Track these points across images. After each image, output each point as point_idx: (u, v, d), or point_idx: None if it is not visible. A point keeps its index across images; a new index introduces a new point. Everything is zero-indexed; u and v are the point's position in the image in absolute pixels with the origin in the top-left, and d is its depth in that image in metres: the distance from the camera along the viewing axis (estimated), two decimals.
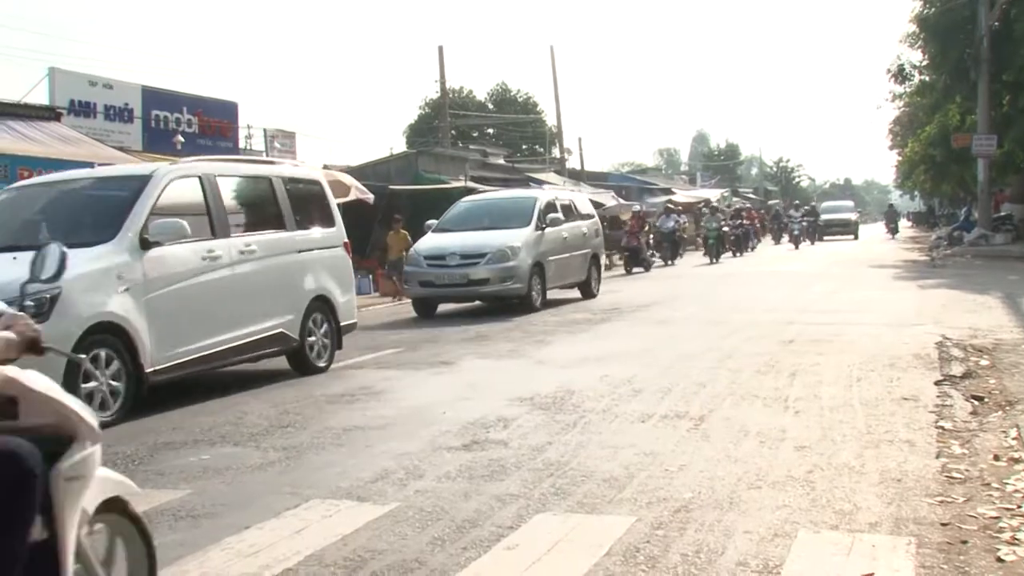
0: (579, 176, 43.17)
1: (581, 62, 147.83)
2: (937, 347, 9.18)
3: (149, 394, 7.53)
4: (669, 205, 35.50)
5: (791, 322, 11.69)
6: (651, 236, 29.54)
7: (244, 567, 3.85)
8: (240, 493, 5.04)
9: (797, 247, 36.29)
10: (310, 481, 5.19)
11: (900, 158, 58.31)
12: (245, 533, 4.30)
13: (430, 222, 16.24)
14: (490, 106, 54.09)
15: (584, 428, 6.22)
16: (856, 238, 44.78)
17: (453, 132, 44.79)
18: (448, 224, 16.13)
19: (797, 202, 50.32)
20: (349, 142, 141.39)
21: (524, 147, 53.55)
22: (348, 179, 18.23)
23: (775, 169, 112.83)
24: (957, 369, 7.98)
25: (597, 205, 27.66)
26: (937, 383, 7.38)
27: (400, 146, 51.73)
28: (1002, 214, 30.74)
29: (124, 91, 20.76)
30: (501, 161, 41.37)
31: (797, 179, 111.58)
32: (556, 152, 49.93)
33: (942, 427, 5.93)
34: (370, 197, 18.63)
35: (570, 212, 16.85)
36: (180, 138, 21.03)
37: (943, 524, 4.08)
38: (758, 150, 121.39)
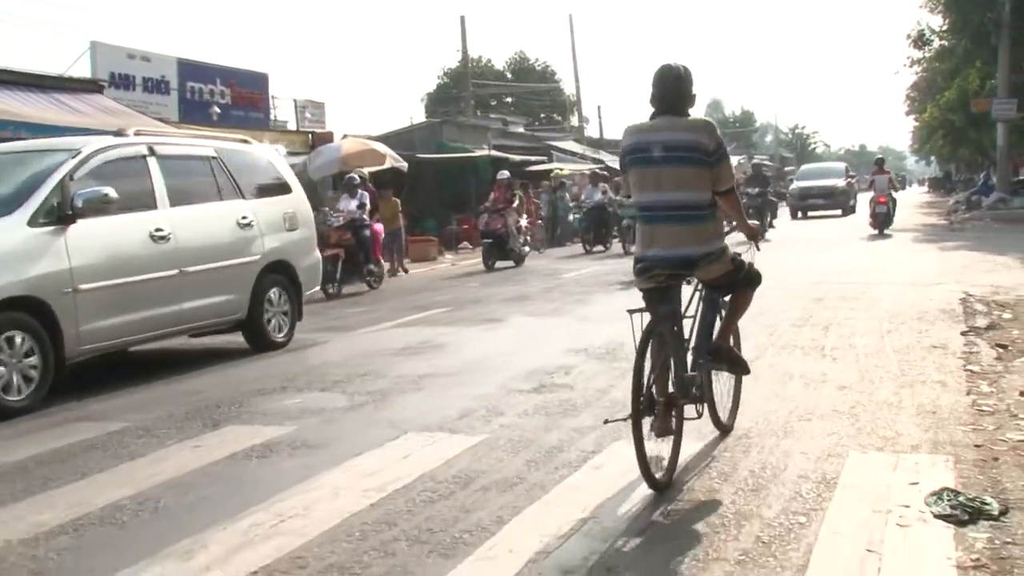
0: (599, 144, 43.49)
1: (596, 30, 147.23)
2: (961, 303, 9.67)
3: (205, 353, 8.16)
4: (597, 172, 26.83)
5: (819, 282, 12.16)
6: (534, 212, 24.01)
7: (367, 484, 4.42)
8: (341, 428, 5.62)
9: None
10: (401, 418, 5.77)
11: (917, 123, 58.36)
12: (358, 459, 4.89)
13: None
14: (508, 75, 54.35)
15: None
16: (847, 213, 31.44)
17: (473, 101, 45.15)
18: None
19: (756, 161, 33.52)
20: (369, 111, 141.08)
21: (542, 115, 53.82)
22: (383, 148, 18.76)
23: (791, 136, 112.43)
24: (981, 321, 8.48)
25: (611, 173, 27.29)
26: (963, 333, 7.89)
27: (419, 115, 52.16)
28: (1021, 178, 31.00)
29: (161, 64, 21.27)
30: (521, 130, 41.77)
31: (813, 145, 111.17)
32: (575, 120, 50.31)
33: (970, 370, 6.46)
34: (404, 165, 19.16)
35: (199, 177, 8.76)
36: (216, 109, 21.60)
37: (976, 446, 4.63)
38: (774, 117, 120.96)
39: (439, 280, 16.79)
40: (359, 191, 15.61)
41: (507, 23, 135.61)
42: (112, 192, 7.21)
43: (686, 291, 4.71)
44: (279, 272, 9.19)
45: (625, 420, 4.18)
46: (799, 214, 31.99)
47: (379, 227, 16.36)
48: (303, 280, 9.56)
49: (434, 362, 7.74)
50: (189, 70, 21.97)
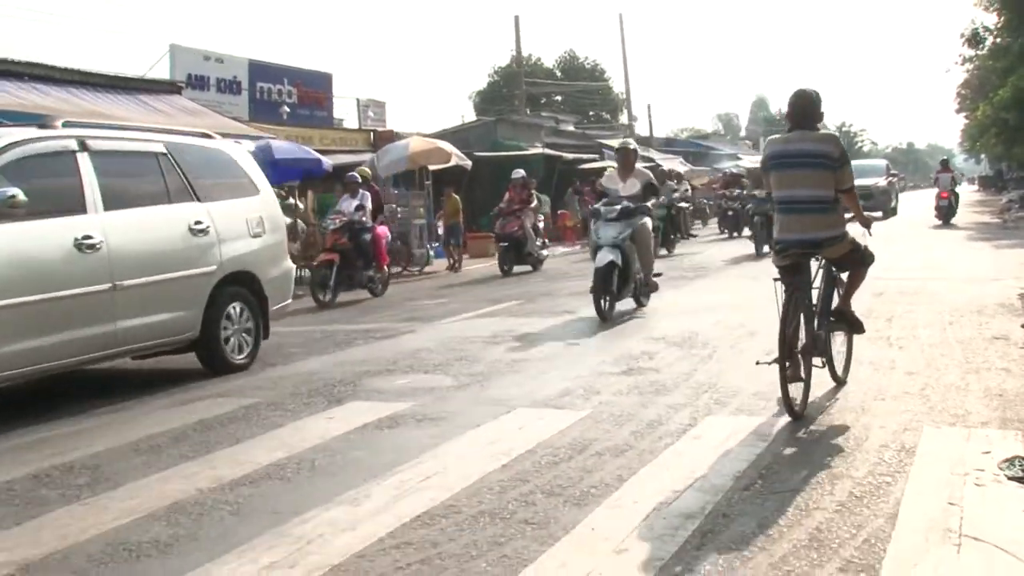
0: (648, 142, 43.87)
1: (645, 27, 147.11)
2: (1020, 298, 10.05)
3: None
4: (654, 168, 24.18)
5: (877, 277, 12.50)
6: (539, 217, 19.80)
7: (493, 450, 5.01)
8: (454, 404, 6.22)
9: (758, 254, 17.94)
10: (507, 396, 6.36)
11: (968, 121, 57.93)
12: (478, 430, 5.48)
13: None
14: (558, 73, 54.94)
15: (719, 359, 7.32)
16: (888, 215, 26.22)
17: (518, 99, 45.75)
18: None
19: (733, 169, 32.19)
20: (423, 109, 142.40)
21: (591, 114, 54.27)
22: (448, 146, 19.41)
23: (838, 133, 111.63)
24: None
25: (669, 175, 27.22)
26: (1023, 326, 8.30)
27: (469, 113, 52.91)
28: None
29: (233, 65, 22.16)
30: (571, 128, 42.30)
31: (860, 143, 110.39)
32: (624, 119, 50.75)
33: None
34: (468, 163, 19.79)
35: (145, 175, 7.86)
36: (286, 108, 22.41)
37: None
38: (822, 114, 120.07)
39: (498, 276, 17.37)
40: (360, 191, 14.46)
41: (558, 22, 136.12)
42: (19, 194, 6.21)
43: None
44: (241, 284, 8.19)
45: (771, 364, 5.42)
46: None
47: (383, 230, 15.02)
48: (270, 293, 8.50)
49: (524, 349, 8.33)
50: (259, 71, 22.83)
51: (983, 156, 75.10)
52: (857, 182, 26.25)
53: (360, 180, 14.84)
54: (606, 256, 9.72)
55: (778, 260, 5.77)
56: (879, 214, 21.16)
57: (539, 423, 5.55)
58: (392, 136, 25.56)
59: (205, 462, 5.04)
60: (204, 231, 7.81)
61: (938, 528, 3.63)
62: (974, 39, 32.56)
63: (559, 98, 54.02)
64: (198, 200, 7.89)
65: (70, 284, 6.57)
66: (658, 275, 10.93)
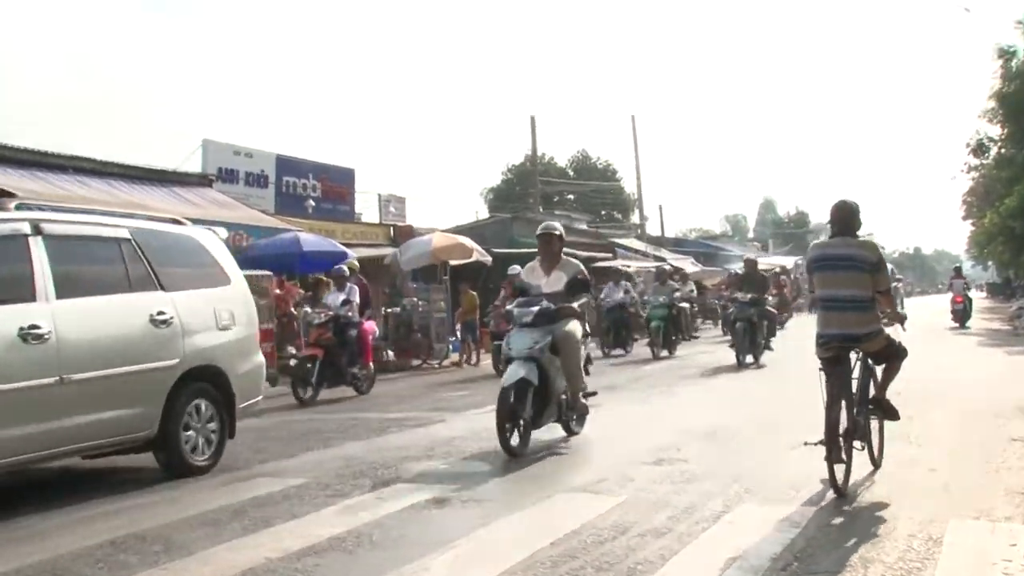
0: (660, 242, 44.58)
1: (651, 129, 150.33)
2: None
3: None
4: (619, 267, 26.09)
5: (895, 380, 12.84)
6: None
7: (541, 530, 5.27)
8: (496, 489, 6.53)
9: (740, 364, 16.09)
10: (545, 482, 6.66)
11: (974, 228, 58.70)
12: (523, 511, 5.77)
13: None
14: (570, 172, 56.14)
15: (746, 452, 7.61)
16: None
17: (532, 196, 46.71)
18: None
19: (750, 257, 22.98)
20: (438, 205, 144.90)
21: (603, 212, 55.20)
22: (470, 242, 19.94)
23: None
24: None
25: (671, 274, 27.24)
26: None
27: (482, 210, 53.93)
28: None
29: (261, 159, 22.94)
30: (584, 227, 43.09)
31: None
32: (635, 218, 51.68)
33: None
34: (488, 259, 20.27)
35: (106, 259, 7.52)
36: (311, 202, 23.09)
37: None
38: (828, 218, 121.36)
39: None
40: (348, 284, 13.81)
41: (571, 122, 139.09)
42: None
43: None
44: (206, 380, 7.68)
45: (816, 444, 6.03)
46: None
47: (370, 326, 14.46)
48: (238, 389, 7.94)
49: (553, 439, 8.60)
50: (285, 165, 23.60)
51: (990, 263, 75.83)
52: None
53: (348, 273, 14.22)
54: (516, 372, 7.74)
55: (821, 352, 6.36)
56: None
57: (579, 506, 5.83)
58: (411, 231, 26.21)
59: (268, 535, 5.33)
60: (167, 322, 7.30)
61: None
62: (979, 149, 33.45)
63: (571, 197, 55.09)
64: (162, 289, 7.43)
65: (12, 377, 6.10)
66: (591, 394, 8.84)
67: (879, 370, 6.71)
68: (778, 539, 5.00)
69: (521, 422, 7.77)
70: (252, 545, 5.12)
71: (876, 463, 6.75)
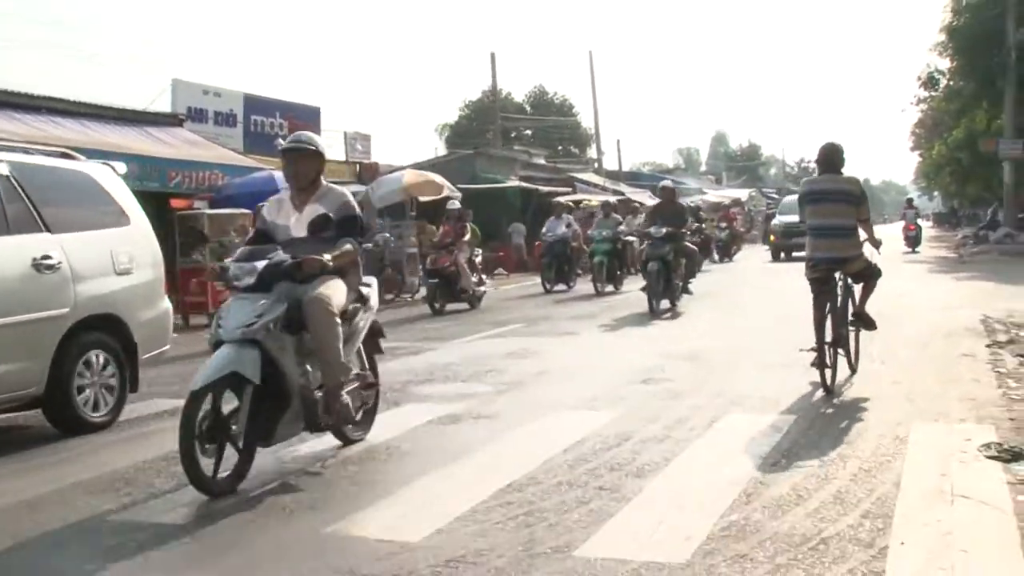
0: (617, 176, 45.09)
1: (604, 64, 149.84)
2: (982, 323, 11.09)
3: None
4: (562, 202, 24.07)
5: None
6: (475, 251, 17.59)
7: (551, 440, 5.84)
8: (500, 407, 7.07)
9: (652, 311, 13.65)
10: (544, 400, 7.24)
11: (921, 160, 60.04)
12: (530, 425, 6.34)
13: None
14: (528, 108, 56.27)
15: (723, 373, 8.25)
16: None
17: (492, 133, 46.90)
18: None
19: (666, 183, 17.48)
20: (396, 142, 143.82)
21: (560, 148, 55.54)
22: (440, 179, 20.23)
23: (796, 169, 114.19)
24: (1002, 337, 9.90)
25: (615, 207, 27.59)
26: (987, 346, 9.31)
27: (439, 146, 54.08)
28: None
29: (229, 98, 23.00)
30: (543, 161, 43.41)
31: None
32: (591, 152, 52.11)
33: (998, 372, 7.89)
34: (458, 195, 20.61)
35: None
36: (280, 141, 23.06)
37: (1011, 419, 6.05)
38: (781, 151, 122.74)
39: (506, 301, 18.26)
40: None
41: (528, 57, 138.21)
42: None
43: None
44: (103, 330, 6.95)
45: (810, 350, 7.11)
46: (782, 255, 27.74)
47: None
48: (140, 339, 7.23)
49: (543, 363, 9.20)
50: (253, 104, 23.68)
51: (936, 194, 77.54)
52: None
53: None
54: (222, 363, 4.88)
55: (810, 273, 7.41)
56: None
57: (581, 420, 6.41)
58: (377, 168, 26.45)
59: (304, 447, 5.85)
60: (53, 267, 6.51)
61: (934, 490, 4.55)
62: (930, 82, 34.25)
63: (529, 132, 55.31)
64: (47, 230, 6.63)
65: None
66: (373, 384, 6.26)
67: (857, 289, 7.76)
68: (765, 441, 5.63)
69: (228, 443, 4.94)
70: (291, 456, 5.65)
71: (853, 368, 7.73)
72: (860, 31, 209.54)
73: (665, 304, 13.67)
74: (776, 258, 28.22)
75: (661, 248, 13.51)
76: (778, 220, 29.30)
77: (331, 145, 28.72)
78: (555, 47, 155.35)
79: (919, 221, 33.35)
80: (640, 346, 10.27)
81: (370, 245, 19.15)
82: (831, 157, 7.59)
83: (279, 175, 17.59)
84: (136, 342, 7.20)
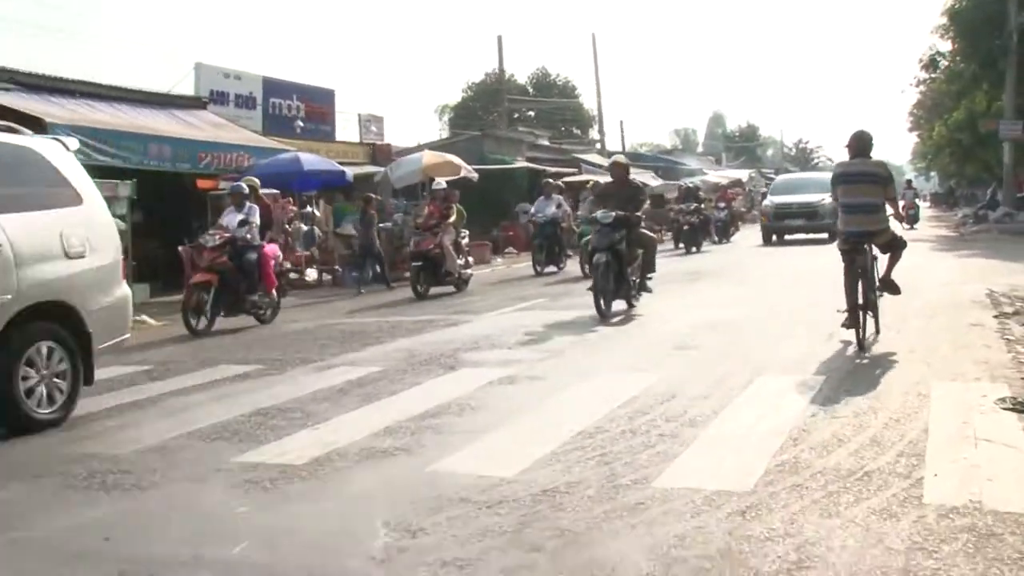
0: None
1: (602, 45, 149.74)
2: (988, 296, 11.68)
3: None
4: (549, 181, 21.99)
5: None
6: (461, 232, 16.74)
7: (605, 397, 6.42)
8: (548, 371, 7.66)
9: (601, 315, 11.08)
10: (588, 364, 7.84)
11: (918, 140, 60.59)
12: (581, 384, 6.94)
13: None
14: (530, 89, 56.65)
15: (749, 341, 8.84)
16: (836, 237, 12.61)
17: (495, 114, 47.39)
18: None
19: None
20: (401, 123, 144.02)
21: (562, 129, 55.97)
22: (457, 160, 20.76)
23: (794, 150, 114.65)
24: (1008, 309, 10.49)
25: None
26: (995, 317, 9.90)
27: (439, 127, 54.58)
28: None
29: (249, 81, 23.52)
30: (547, 143, 43.91)
31: (816, 160, 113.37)
32: (593, 133, 52.59)
33: (1007, 339, 8.48)
34: (475, 176, 21.16)
35: None
36: (300, 123, 23.75)
37: (1022, 378, 6.65)
38: (779, 132, 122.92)
39: (514, 281, 18.83)
40: (247, 204, 12.39)
41: (530, 40, 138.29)
42: None
43: None
44: (52, 318, 6.48)
45: (843, 312, 8.17)
46: (773, 237, 26.12)
47: (272, 249, 12.94)
48: (94, 329, 6.74)
49: (577, 334, 9.79)
50: (272, 87, 24.22)
51: (932, 174, 78.11)
52: (799, 198, 25.95)
53: (247, 191, 12.59)
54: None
55: (843, 245, 8.44)
56: (824, 235, 19.37)
57: (628, 381, 7.00)
58: (390, 150, 26.98)
59: (383, 404, 6.46)
60: None
61: (959, 435, 5.15)
62: (931, 64, 34.78)
63: (532, 113, 55.74)
64: None
65: None
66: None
67: (883, 259, 8.77)
68: (801, 398, 6.23)
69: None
70: (375, 411, 6.26)
71: (878, 330, 8.64)
72: (855, 12, 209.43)
73: (619, 305, 11.33)
74: (768, 241, 26.18)
75: (610, 236, 11.15)
76: (769, 201, 27.33)
77: (345, 127, 29.33)
78: (557, 29, 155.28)
79: (917, 201, 36.01)
80: (661, 319, 10.84)
81: (389, 224, 19.79)
82: (861, 143, 8.60)
83: (305, 156, 18.20)
84: (89, 331, 6.67)
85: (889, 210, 8.61)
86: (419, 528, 3.96)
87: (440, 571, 3.52)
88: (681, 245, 24.80)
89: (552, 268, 19.13)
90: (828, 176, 37.14)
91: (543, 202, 19.84)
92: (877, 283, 8.64)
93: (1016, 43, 29.13)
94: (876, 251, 8.64)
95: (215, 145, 17.51)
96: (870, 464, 4.64)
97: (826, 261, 16.11)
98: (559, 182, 28.51)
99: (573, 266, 18.96)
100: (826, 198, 22.72)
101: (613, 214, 11.28)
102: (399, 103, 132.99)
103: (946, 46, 33.89)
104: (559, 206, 19.73)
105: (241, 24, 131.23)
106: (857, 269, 8.24)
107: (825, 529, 3.80)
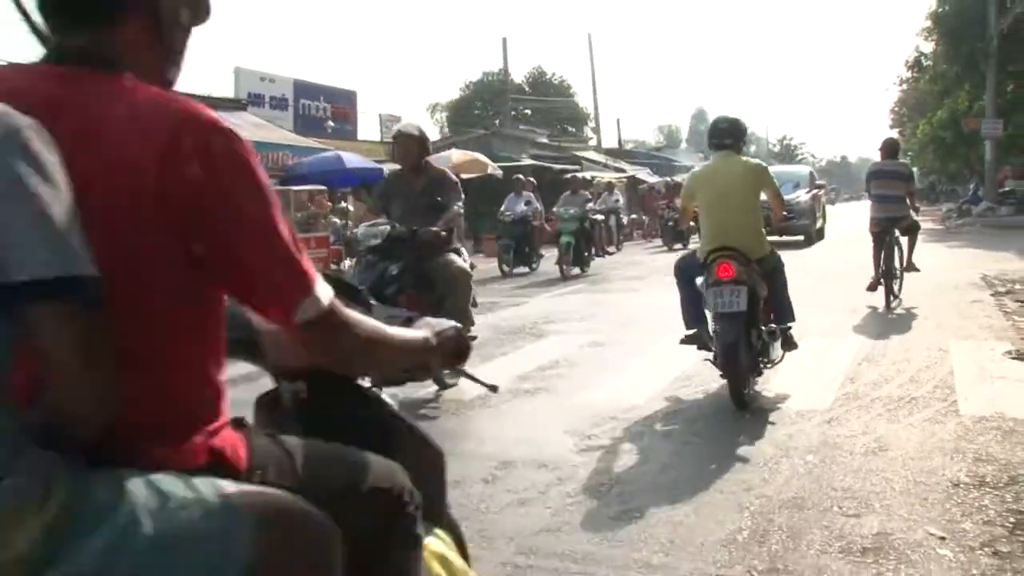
0: (617, 154, 47.03)
1: (604, 45, 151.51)
2: (982, 279, 13.15)
3: None
4: (519, 177, 20.07)
5: (861, 266, 15.63)
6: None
7: (675, 360, 7.81)
8: (627, 337, 9.03)
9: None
10: (657, 332, 9.15)
11: (900, 137, 62.40)
12: (658, 347, 8.30)
13: None
14: (527, 88, 57.95)
15: None
16: (811, 240, 22.40)
17: (493, 112, 48.74)
18: None
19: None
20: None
21: (559, 127, 57.36)
22: (483, 158, 22.12)
23: (779, 147, 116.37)
24: (1001, 289, 11.96)
25: (639, 182, 29.97)
26: (991, 295, 11.38)
27: (434, 125, 55.89)
28: (1006, 189, 34.79)
29: (282, 84, 24.86)
30: (545, 140, 45.29)
31: (800, 157, 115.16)
32: (587, 131, 54.09)
33: (1005, 311, 9.95)
34: (500, 173, 22.51)
35: None
36: (331, 123, 25.08)
37: (1022, 339, 8.11)
38: (764, 129, 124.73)
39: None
40: None
41: (526, 39, 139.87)
42: None
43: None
44: None
45: (872, 278, 10.59)
46: None
47: None
48: None
49: (629, 308, 11.18)
50: (302, 89, 25.53)
51: (915, 170, 79.99)
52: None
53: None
54: None
55: (873, 228, 10.62)
56: (800, 237, 18.17)
57: (689, 351, 8.35)
58: None
59: (501, 362, 7.83)
60: None
61: (978, 375, 6.60)
62: (917, 65, 36.47)
63: (528, 112, 57.09)
64: None
65: None
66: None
67: (904, 241, 10.83)
68: (843, 355, 7.67)
69: None
70: (497, 367, 7.62)
71: (899, 298, 10.67)
72: (838, 10, 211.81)
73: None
74: None
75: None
76: None
77: (367, 126, 30.64)
78: (552, 29, 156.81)
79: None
80: None
81: None
82: (891, 148, 11.14)
83: (346, 155, 19.53)
84: None
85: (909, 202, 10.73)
86: (591, 433, 5.37)
87: (621, 455, 4.93)
88: (666, 244, 24.01)
89: (523, 269, 18.03)
90: (804, 169, 38.23)
91: (512, 199, 18.57)
92: (903, 264, 10.89)
93: (996, 46, 30.78)
94: (898, 234, 10.51)
95: (262, 145, 18.68)
96: (914, 392, 6.09)
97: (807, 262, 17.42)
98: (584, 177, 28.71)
99: (547, 266, 18.03)
100: (800, 195, 22.04)
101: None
102: (399, 103, 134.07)
103: (930, 48, 35.59)
104: (528, 203, 18.54)
105: (241, 24, 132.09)
106: (884, 246, 10.38)
107: (892, 430, 5.23)
